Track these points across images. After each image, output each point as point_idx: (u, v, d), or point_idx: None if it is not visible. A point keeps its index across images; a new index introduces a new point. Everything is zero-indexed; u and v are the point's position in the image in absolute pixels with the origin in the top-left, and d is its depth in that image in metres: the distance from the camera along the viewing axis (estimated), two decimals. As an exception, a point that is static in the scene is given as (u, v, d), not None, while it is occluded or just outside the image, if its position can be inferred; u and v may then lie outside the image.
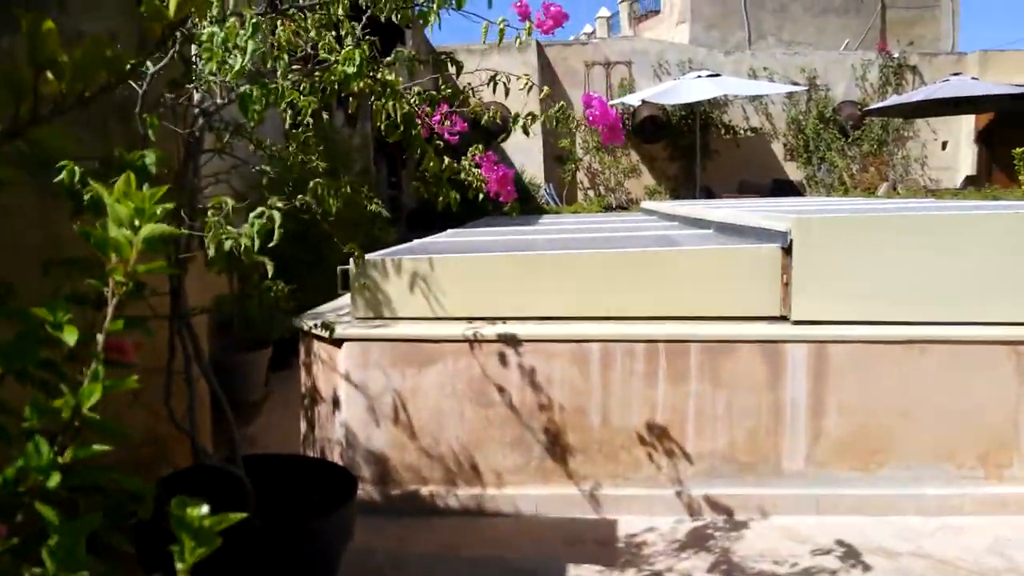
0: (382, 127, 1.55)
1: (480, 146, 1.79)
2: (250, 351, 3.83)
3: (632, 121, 11.93)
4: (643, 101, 10.85)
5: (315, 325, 2.62)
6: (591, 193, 12.11)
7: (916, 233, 2.53)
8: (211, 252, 1.34)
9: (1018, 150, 8.69)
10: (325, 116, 1.68)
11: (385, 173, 7.92)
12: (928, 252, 2.51)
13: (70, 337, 1.22)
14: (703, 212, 4.34)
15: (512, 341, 2.54)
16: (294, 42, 1.40)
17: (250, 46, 1.15)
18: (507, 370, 2.55)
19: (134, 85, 1.39)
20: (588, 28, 22.19)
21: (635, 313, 2.64)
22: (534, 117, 1.93)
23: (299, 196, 1.56)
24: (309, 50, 1.43)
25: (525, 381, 2.55)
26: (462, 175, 1.71)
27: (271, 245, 1.47)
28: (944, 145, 12.99)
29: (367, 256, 2.66)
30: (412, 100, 1.54)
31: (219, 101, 1.42)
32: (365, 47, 1.34)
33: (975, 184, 12.01)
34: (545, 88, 2.12)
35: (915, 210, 3.50)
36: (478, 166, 1.72)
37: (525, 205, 10.14)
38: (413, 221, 8.44)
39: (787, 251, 2.59)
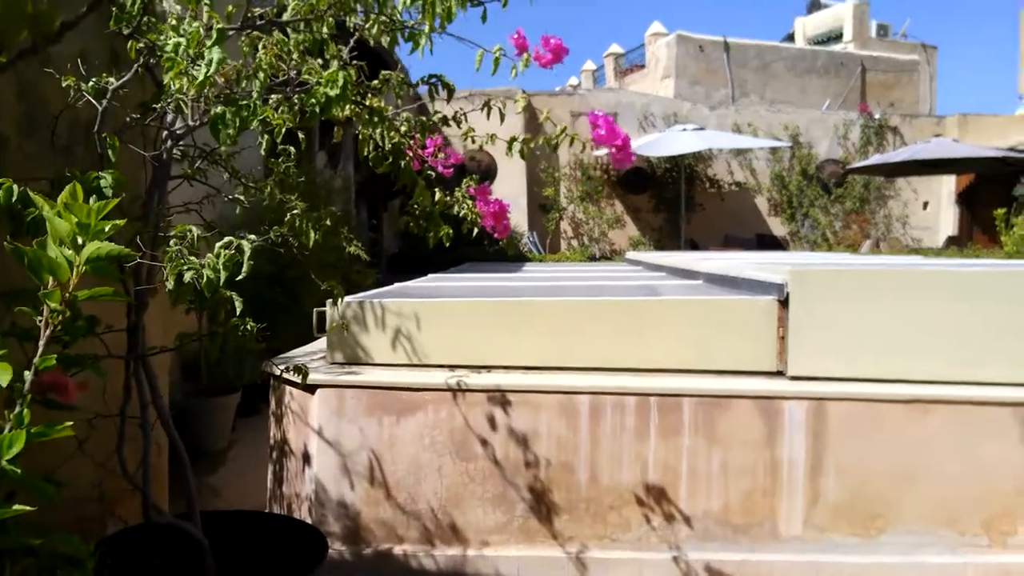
0: (369, 157, 1.45)
1: (475, 177, 1.69)
2: (217, 396, 3.66)
3: (617, 172, 12.00)
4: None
5: (286, 369, 2.47)
6: (575, 243, 12.10)
7: (919, 288, 2.45)
8: (169, 284, 1.20)
9: (999, 211, 8.79)
10: (294, 150, 1.57)
11: (365, 216, 7.83)
12: (932, 308, 2.42)
13: (2, 377, 1.07)
14: (690, 263, 4.27)
15: (497, 391, 2.40)
16: (276, 65, 1.29)
17: (215, 55, 1.04)
18: (491, 422, 2.41)
19: (95, 103, 1.27)
20: (573, 80, 22.59)
21: (625, 364, 2.52)
22: (528, 142, 1.83)
23: (274, 228, 1.43)
24: (292, 74, 1.33)
25: (509, 434, 2.41)
26: (455, 208, 1.60)
27: (240, 279, 1.35)
28: (925, 205, 13.19)
29: (344, 298, 2.53)
30: (402, 128, 1.44)
31: (190, 123, 1.30)
32: (351, 71, 1.24)
33: (956, 244, 12.15)
34: (544, 113, 2.02)
35: (915, 265, 3.44)
36: (472, 198, 1.62)
37: (508, 252, 10.10)
38: (394, 265, 8.34)
39: (783, 303, 2.50)
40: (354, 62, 1.35)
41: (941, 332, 2.42)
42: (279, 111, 1.23)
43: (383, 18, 1.26)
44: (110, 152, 1.24)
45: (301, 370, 2.29)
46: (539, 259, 9.60)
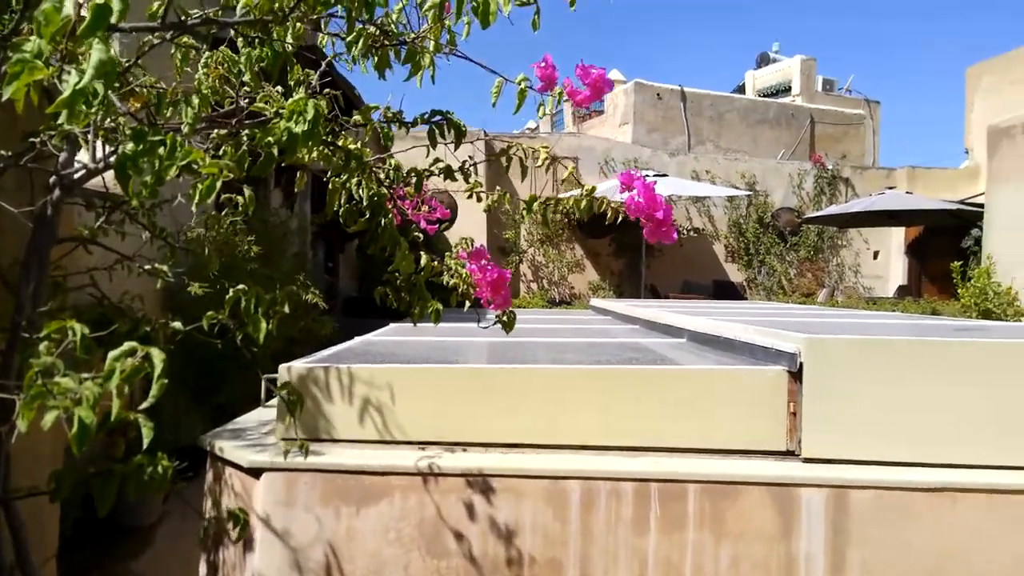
0: (340, 213, 1.15)
1: (471, 239, 1.39)
2: (148, 464, 3.22)
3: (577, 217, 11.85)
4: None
5: (227, 448, 2.10)
6: (534, 286, 11.86)
7: (948, 360, 2.22)
8: (22, 426, 0.84)
9: (955, 264, 8.87)
10: (242, 199, 1.25)
11: (322, 258, 7.43)
12: (960, 383, 2.19)
13: None
14: (669, 317, 4.02)
15: (475, 475, 2.08)
16: (220, 89, 0.99)
17: (95, 54, 0.71)
18: (468, 511, 2.08)
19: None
20: (531, 124, 22.63)
21: (621, 442, 2.23)
22: (499, 199, 1.55)
23: (208, 315, 1.09)
24: (242, 103, 1.03)
25: (489, 526, 2.07)
26: (445, 277, 1.30)
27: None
28: (876, 255, 13.39)
29: (297, 364, 2.18)
30: (386, 176, 1.14)
31: (90, 165, 0.97)
32: (322, 101, 0.94)
33: (907, 294, 12.31)
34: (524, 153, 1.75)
35: (942, 334, 3.25)
36: (463, 264, 1.32)
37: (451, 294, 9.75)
38: (350, 309, 7.94)
39: (795, 375, 2.24)
40: (325, 91, 1.06)
41: (970, 410, 2.19)
42: (221, 153, 0.91)
43: (371, 28, 0.98)
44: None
45: (229, 463, 1.93)
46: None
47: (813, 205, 12.99)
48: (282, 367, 2.17)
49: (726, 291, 12.26)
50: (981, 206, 11.06)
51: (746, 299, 12.44)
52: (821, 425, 2.19)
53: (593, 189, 1.40)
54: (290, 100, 0.88)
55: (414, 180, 1.23)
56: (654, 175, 10.92)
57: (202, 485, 2.96)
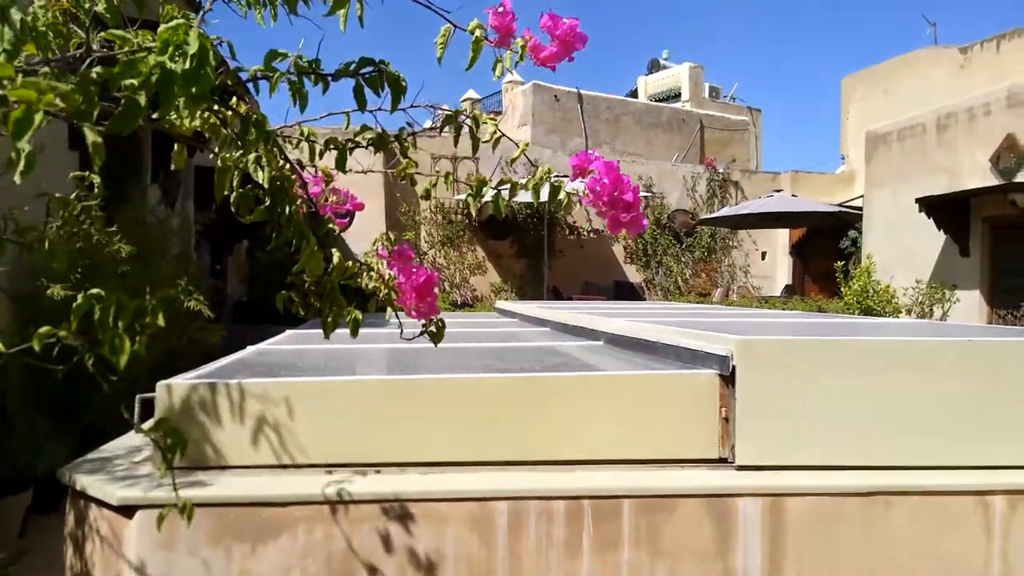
0: (232, 199, 0.90)
1: (389, 234, 1.17)
2: (-2, 498, 2.79)
3: (478, 217, 11.71)
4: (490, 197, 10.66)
5: (91, 483, 1.77)
6: (436, 290, 11.59)
7: (885, 360, 2.17)
8: None
9: (839, 264, 9.30)
10: (93, 137, 0.97)
11: (208, 260, 6.89)
12: (892, 383, 2.15)
13: None
14: (580, 319, 3.90)
15: (391, 500, 1.84)
16: (65, 29, 0.73)
17: None
18: (382, 543, 1.84)
19: None
20: (428, 123, 22.32)
21: (546, 455, 2.05)
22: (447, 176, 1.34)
23: (46, 330, 0.80)
24: (95, 48, 0.77)
25: (407, 558, 1.85)
26: (363, 280, 1.06)
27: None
28: (764, 255, 13.96)
29: (178, 381, 1.88)
30: (295, 149, 0.91)
31: None
32: (208, 41, 0.69)
33: (792, 292, 12.89)
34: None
35: (872, 333, 3.25)
36: (382, 263, 1.09)
37: (368, 300, 9.39)
38: (240, 315, 7.42)
39: (726, 379, 2.14)
40: (218, 37, 0.81)
41: (900, 409, 2.15)
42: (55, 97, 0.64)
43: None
44: None
45: (115, 482, 1.62)
46: (399, 307, 8.98)
47: (707, 207, 13.39)
48: (160, 385, 1.86)
49: (626, 292, 12.42)
50: (858, 209, 11.73)
51: (645, 299, 12.66)
52: (755, 431, 2.10)
53: (549, 171, 1.21)
54: (163, 27, 0.63)
55: (335, 155, 0.99)
56: (556, 176, 10.90)
57: (62, 517, 2.56)
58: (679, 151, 17.20)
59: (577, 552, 1.93)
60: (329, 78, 0.88)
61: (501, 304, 7.32)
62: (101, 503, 1.78)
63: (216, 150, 0.95)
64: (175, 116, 0.84)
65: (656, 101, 22.96)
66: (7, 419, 2.56)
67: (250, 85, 0.93)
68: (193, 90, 0.63)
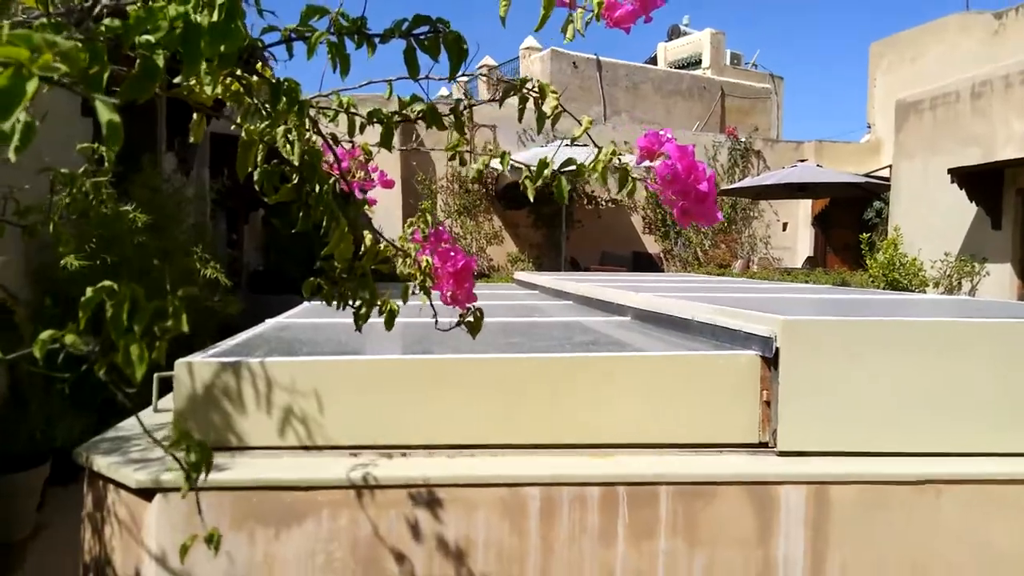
0: (255, 177, 0.80)
1: (427, 214, 1.07)
2: (13, 471, 2.74)
3: (495, 186, 11.57)
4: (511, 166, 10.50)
5: (108, 464, 1.71)
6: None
7: (937, 342, 2.05)
8: None
9: (864, 236, 9.11)
10: (109, 114, 0.87)
11: (224, 228, 6.83)
12: (943, 366, 2.04)
13: None
14: (604, 292, 3.79)
15: (419, 485, 1.77)
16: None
17: None
18: (410, 529, 1.77)
19: None
20: (444, 91, 21.99)
21: (580, 439, 1.97)
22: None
23: (50, 334, 0.70)
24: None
25: (436, 544, 1.77)
26: (398, 265, 0.96)
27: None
28: (785, 226, 13.73)
29: (199, 360, 1.80)
30: (331, 123, 0.81)
31: None
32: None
33: (814, 264, 12.69)
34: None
35: (919, 312, 3.13)
36: (417, 247, 0.99)
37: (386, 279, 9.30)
38: (256, 285, 7.37)
39: (769, 361, 2.03)
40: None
41: (959, 394, 2.04)
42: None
43: None
44: None
45: (132, 464, 1.55)
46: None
47: (727, 177, 13.15)
48: (179, 364, 1.78)
49: (644, 262, 12.28)
50: (884, 179, 11.46)
51: (663, 270, 12.51)
52: (797, 415, 2.00)
53: (614, 152, 1.09)
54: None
55: (381, 129, 0.89)
56: (574, 144, 10.72)
57: (81, 489, 2.51)
58: (699, 119, 16.89)
59: (612, 540, 1.85)
60: (377, 39, 0.77)
61: (519, 275, 7.22)
62: (119, 485, 1.72)
63: (238, 120, 0.85)
64: (194, 81, 0.74)
65: (676, 68, 22.51)
66: (22, 392, 2.51)
67: (280, 48, 0.82)
68: (222, 48, 0.53)
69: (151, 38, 0.53)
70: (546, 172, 0.98)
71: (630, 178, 0.96)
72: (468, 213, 11.50)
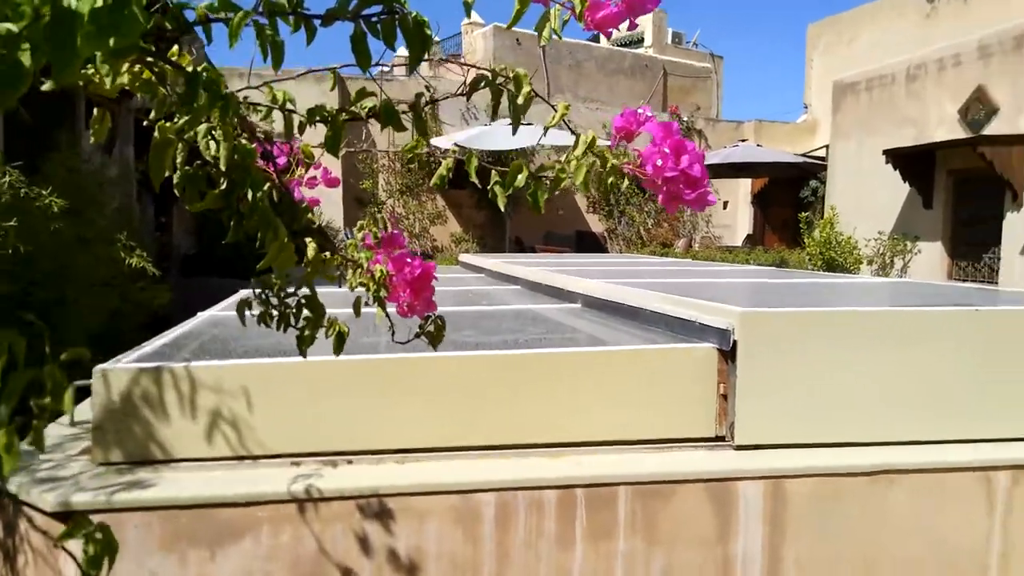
0: (175, 181, 0.68)
1: (375, 215, 0.95)
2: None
3: (439, 165, 11.35)
4: (456, 145, 10.32)
5: (20, 486, 1.54)
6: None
7: (891, 332, 2.03)
8: None
9: (803, 215, 9.28)
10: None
11: (152, 211, 6.48)
12: (897, 355, 2.02)
13: None
14: (554, 279, 3.72)
15: (366, 496, 1.66)
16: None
17: None
18: (358, 543, 1.66)
19: None
20: (385, 68, 21.47)
21: (535, 439, 1.89)
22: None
23: None
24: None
25: (385, 558, 1.67)
26: (349, 277, 0.84)
27: None
28: (725, 205, 13.92)
29: (117, 367, 1.64)
30: (264, 120, 0.68)
31: None
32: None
33: (754, 242, 12.92)
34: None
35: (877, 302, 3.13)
36: (371, 250, 0.87)
37: (323, 251, 9.05)
38: (188, 268, 7.05)
39: (726, 354, 1.99)
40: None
41: (912, 383, 2.03)
42: None
43: None
44: None
45: (46, 484, 1.40)
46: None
47: (669, 156, 13.23)
48: (96, 372, 1.62)
49: (588, 242, 12.28)
50: (820, 159, 11.69)
51: (607, 250, 12.55)
52: (755, 409, 1.96)
53: (594, 140, 0.99)
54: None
55: (327, 128, 0.76)
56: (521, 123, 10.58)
57: None
58: (642, 98, 16.91)
59: (570, 544, 1.78)
60: (317, 22, 0.64)
61: (465, 258, 7.10)
62: (32, 507, 1.56)
63: (152, 116, 0.72)
64: (91, 71, 0.60)
65: (619, 47, 22.47)
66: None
67: (199, 30, 0.69)
68: (111, 42, 0.41)
69: (12, 27, 0.39)
70: (520, 179, 0.87)
71: (615, 175, 0.85)
72: (411, 193, 11.27)
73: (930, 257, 8.39)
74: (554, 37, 0.85)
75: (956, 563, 2.00)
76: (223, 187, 0.68)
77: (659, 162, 0.80)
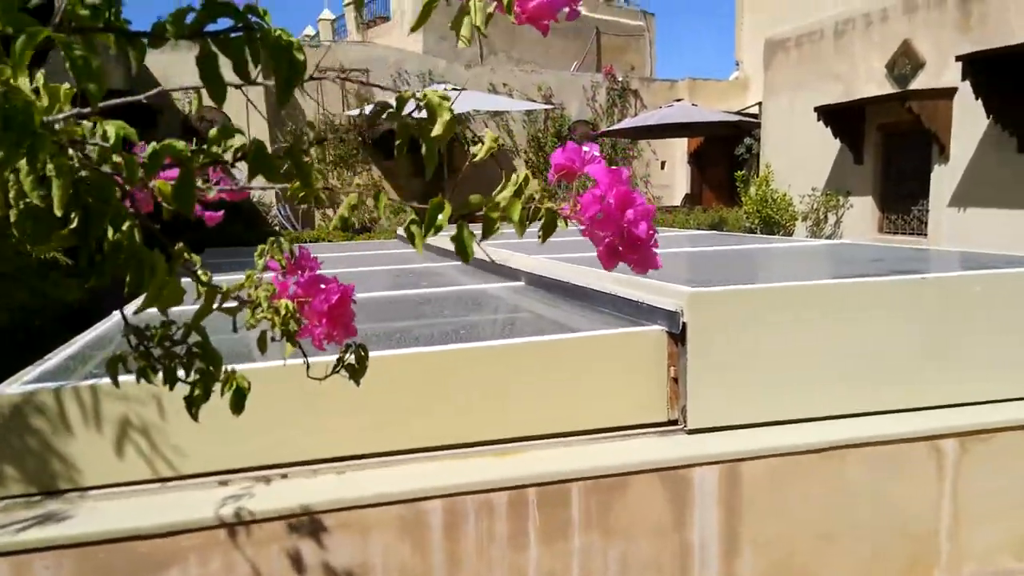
0: (12, 220, 0.54)
1: (281, 239, 0.81)
2: None
3: (371, 134, 11.02)
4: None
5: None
6: (330, 212, 10.95)
7: (838, 304, 2.00)
8: None
9: (739, 173, 9.35)
10: None
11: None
12: (844, 327, 1.99)
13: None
14: (496, 254, 3.60)
15: (300, 514, 1.54)
16: None
17: None
18: (294, 565, 1.54)
19: None
20: (310, 31, 20.62)
21: (482, 436, 1.79)
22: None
23: None
24: None
25: (326, 577, 1.56)
26: (247, 315, 0.71)
27: None
28: (663, 165, 13.96)
29: (5, 391, 1.47)
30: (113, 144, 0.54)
31: None
32: None
33: (692, 202, 13.01)
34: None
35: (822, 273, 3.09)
36: (272, 288, 0.73)
37: (254, 230, 8.72)
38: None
39: (676, 337, 1.92)
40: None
41: (861, 354, 2.00)
42: None
43: None
44: None
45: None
46: (295, 237, 8.37)
47: (606, 117, 13.14)
48: (-14, 398, 1.44)
49: (528, 207, 12.15)
50: (754, 116, 11.79)
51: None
52: (707, 391, 1.91)
53: (497, 139, 0.86)
54: None
55: (180, 170, 0.61)
56: (451, 88, 10.32)
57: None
58: (576, 59, 16.74)
59: (524, 545, 1.70)
60: (144, 41, 0.50)
61: (403, 231, 6.89)
62: (-80, 555, 1.39)
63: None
64: None
65: (550, 5, 22.06)
66: None
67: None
68: None
69: None
70: (439, 220, 0.75)
71: (551, 218, 0.72)
72: (344, 164, 10.93)
73: (862, 211, 8.57)
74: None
75: (909, 528, 2.01)
76: (74, 224, 0.55)
77: (599, 215, 0.67)
